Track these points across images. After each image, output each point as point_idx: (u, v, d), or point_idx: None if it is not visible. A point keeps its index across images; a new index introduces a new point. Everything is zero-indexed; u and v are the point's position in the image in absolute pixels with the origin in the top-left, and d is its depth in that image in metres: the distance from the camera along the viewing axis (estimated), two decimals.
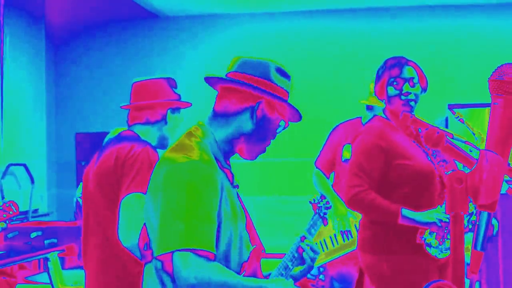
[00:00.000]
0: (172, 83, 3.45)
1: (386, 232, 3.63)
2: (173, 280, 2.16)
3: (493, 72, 1.80)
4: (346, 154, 4.63)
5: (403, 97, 3.67)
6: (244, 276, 2.28)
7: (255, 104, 2.37)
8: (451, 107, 9.01)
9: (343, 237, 4.56)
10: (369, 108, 4.73)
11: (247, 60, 2.46)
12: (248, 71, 2.41)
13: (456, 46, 9.49)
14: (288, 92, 2.47)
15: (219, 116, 2.41)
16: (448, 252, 3.50)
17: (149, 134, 3.37)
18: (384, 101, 3.78)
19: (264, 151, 2.49)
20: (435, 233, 3.55)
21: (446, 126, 7.96)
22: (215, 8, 10.12)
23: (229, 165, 2.42)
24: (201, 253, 2.09)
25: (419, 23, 9.82)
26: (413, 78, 3.70)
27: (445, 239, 3.61)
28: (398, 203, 3.57)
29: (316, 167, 4.89)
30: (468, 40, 9.70)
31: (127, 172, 3.07)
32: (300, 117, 2.50)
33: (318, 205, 2.83)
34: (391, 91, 3.73)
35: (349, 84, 8.57)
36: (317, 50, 9.97)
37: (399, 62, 3.76)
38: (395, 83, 3.71)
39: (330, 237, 4.60)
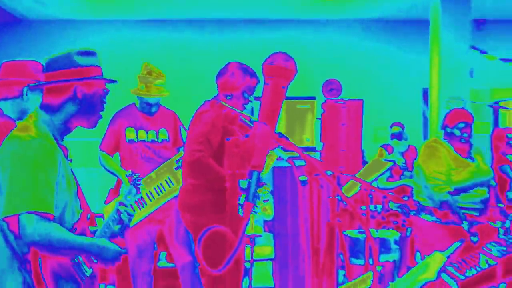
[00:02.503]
0: (36, 66, 3.33)
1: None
2: (17, 238, 2.25)
3: (265, 59, 1.95)
4: (129, 135, 4.85)
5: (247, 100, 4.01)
6: (75, 233, 2.39)
7: (72, 93, 2.44)
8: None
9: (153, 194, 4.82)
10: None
11: (51, 59, 2.49)
12: (54, 68, 2.45)
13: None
14: (97, 65, 2.54)
15: (47, 108, 2.47)
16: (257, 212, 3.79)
17: (9, 108, 3.29)
18: (229, 95, 3.97)
19: (101, 116, 2.57)
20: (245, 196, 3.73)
21: None
22: (80, 14, 9.78)
23: (64, 143, 2.50)
24: (43, 215, 2.21)
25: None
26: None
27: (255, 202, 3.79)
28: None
29: (101, 150, 5.03)
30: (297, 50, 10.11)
31: None
32: (114, 81, 2.59)
33: (132, 178, 3.10)
34: (245, 95, 3.98)
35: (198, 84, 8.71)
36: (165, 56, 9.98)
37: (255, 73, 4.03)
38: (250, 90, 3.99)
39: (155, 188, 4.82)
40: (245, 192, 3.68)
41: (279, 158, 4.37)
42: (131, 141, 4.83)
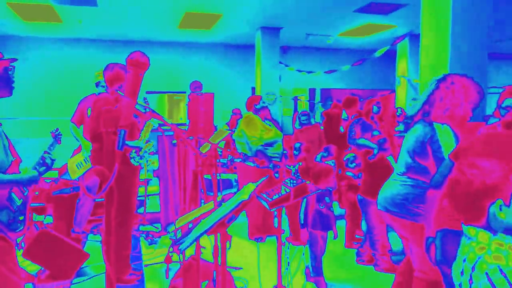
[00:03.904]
0: None
1: None
2: None
3: (128, 55, 1.81)
4: (89, 112, 4.64)
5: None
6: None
7: None
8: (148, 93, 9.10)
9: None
10: (97, 84, 4.75)
11: None
12: None
13: None
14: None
15: None
16: (139, 161, 3.58)
17: None
18: (119, 85, 3.57)
19: (13, 86, 2.25)
20: (135, 151, 3.53)
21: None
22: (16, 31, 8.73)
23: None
24: None
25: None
26: None
27: (142, 156, 3.58)
28: None
29: (72, 122, 4.77)
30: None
31: None
32: (14, 59, 2.26)
33: (55, 133, 2.84)
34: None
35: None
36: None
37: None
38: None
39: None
40: (134, 148, 3.45)
41: (154, 130, 4.33)
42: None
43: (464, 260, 1.33)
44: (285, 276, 3.46)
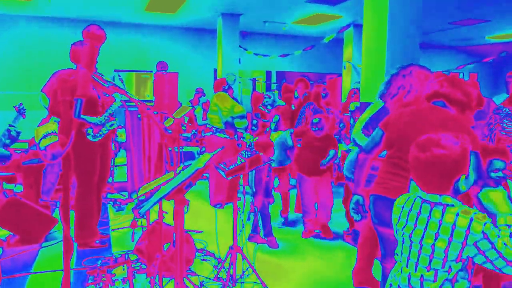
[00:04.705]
0: None
1: None
2: None
3: (84, 28, 1.65)
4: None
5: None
6: None
7: None
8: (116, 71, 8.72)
9: None
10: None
11: None
12: None
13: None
14: None
15: None
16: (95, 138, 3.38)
17: None
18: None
19: None
20: (91, 128, 3.28)
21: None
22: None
23: None
24: None
25: None
26: None
27: (100, 134, 3.36)
28: None
29: (42, 91, 4.46)
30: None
31: None
32: None
33: (19, 108, 2.65)
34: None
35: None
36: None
37: None
38: None
39: None
40: (91, 124, 3.21)
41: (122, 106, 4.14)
42: None
43: (454, 226, 1.31)
44: (240, 237, 3.47)
